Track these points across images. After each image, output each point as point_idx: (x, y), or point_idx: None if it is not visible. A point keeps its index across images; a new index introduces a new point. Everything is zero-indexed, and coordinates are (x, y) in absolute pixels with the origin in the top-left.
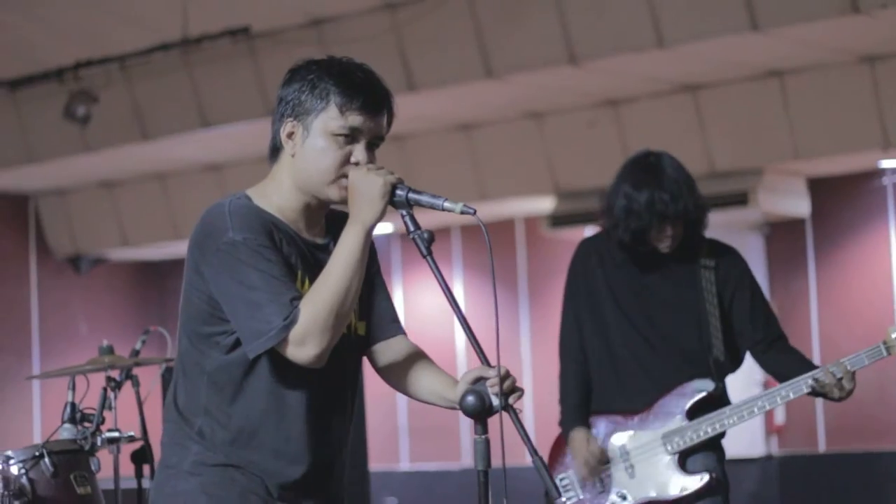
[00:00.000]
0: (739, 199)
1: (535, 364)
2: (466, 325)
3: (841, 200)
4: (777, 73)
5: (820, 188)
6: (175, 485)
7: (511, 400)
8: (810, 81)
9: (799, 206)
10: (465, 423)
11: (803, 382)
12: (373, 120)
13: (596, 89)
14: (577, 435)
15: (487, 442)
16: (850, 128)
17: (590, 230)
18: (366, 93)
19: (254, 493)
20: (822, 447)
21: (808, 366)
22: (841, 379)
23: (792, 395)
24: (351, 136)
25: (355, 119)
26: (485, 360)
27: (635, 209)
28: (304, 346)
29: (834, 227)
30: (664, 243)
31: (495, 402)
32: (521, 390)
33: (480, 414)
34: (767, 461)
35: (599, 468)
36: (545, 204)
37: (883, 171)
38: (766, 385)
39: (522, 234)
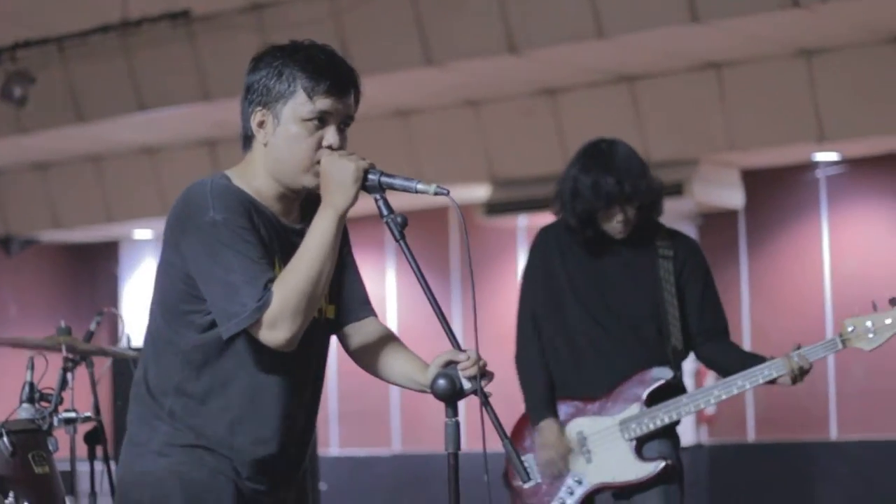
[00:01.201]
0: (674, 190)
1: None
2: (438, 309)
3: (774, 192)
4: (714, 64)
5: (753, 180)
6: (144, 464)
7: (482, 383)
8: (747, 74)
9: (733, 197)
10: (396, 409)
11: (759, 374)
12: (341, 101)
13: (534, 78)
14: (548, 425)
15: (458, 425)
16: (786, 120)
17: (524, 219)
18: (332, 75)
19: (223, 473)
20: (751, 437)
21: (753, 358)
22: (802, 367)
23: (748, 385)
24: (321, 120)
25: (324, 102)
26: (455, 344)
27: (581, 191)
28: (275, 329)
29: (766, 218)
30: (615, 227)
31: (466, 385)
32: (492, 374)
33: (451, 397)
34: (697, 450)
35: (566, 461)
36: (481, 192)
37: (816, 164)
38: (697, 375)
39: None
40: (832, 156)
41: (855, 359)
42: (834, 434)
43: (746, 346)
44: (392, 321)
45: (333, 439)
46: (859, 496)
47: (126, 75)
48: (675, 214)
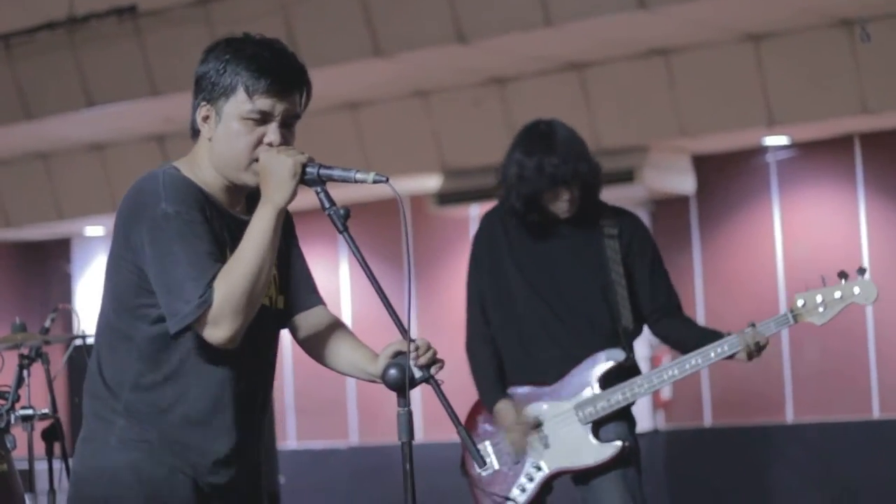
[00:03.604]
0: (625, 177)
1: None
2: (385, 299)
3: (725, 177)
4: (662, 51)
5: (704, 165)
6: (100, 460)
7: (432, 371)
8: (695, 59)
9: (684, 182)
10: (352, 401)
11: (712, 350)
12: (283, 100)
13: (483, 67)
14: (503, 406)
15: (410, 414)
16: (735, 105)
17: (476, 208)
18: (274, 75)
19: (180, 470)
20: (707, 421)
21: (710, 335)
22: (758, 343)
23: (701, 362)
24: (262, 119)
25: (264, 102)
26: (404, 333)
27: (526, 175)
28: (217, 327)
29: (718, 203)
30: (561, 208)
31: (417, 374)
32: (442, 361)
33: (403, 387)
34: (654, 435)
35: (533, 433)
36: (432, 182)
37: (766, 149)
38: (652, 359)
39: (408, 212)
40: (782, 140)
41: (810, 341)
42: (790, 417)
43: None
44: (346, 313)
45: (290, 432)
46: (816, 479)
47: (74, 72)
48: (627, 201)
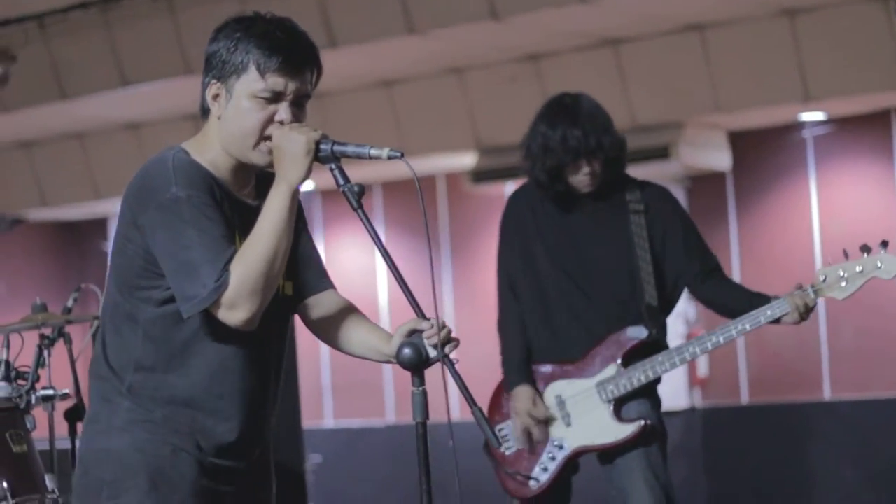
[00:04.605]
0: (661, 153)
1: (458, 320)
2: (400, 277)
3: (761, 153)
4: (698, 26)
5: (740, 141)
6: (106, 442)
7: (447, 350)
8: (731, 35)
9: (720, 159)
10: (389, 380)
11: (761, 315)
12: (295, 79)
13: (517, 44)
14: (522, 391)
15: (425, 394)
16: (771, 81)
17: (511, 186)
18: (286, 53)
19: (185, 451)
20: (744, 399)
21: (756, 297)
22: (807, 304)
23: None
24: (273, 97)
25: (276, 81)
26: (419, 312)
27: (551, 146)
28: (234, 309)
29: (754, 180)
30: (583, 182)
31: (432, 353)
32: (457, 340)
33: (417, 366)
34: (691, 413)
35: (539, 427)
36: (467, 160)
37: (803, 124)
38: (688, 337)
39: (444, 190)
40: (818, 115)
41: (847, 318)
42: (827, 394)
43: None
44: (383, 293)
45: (327, 411)
46: (854, 456)
47: (108, 51)
48: (663, 178)
